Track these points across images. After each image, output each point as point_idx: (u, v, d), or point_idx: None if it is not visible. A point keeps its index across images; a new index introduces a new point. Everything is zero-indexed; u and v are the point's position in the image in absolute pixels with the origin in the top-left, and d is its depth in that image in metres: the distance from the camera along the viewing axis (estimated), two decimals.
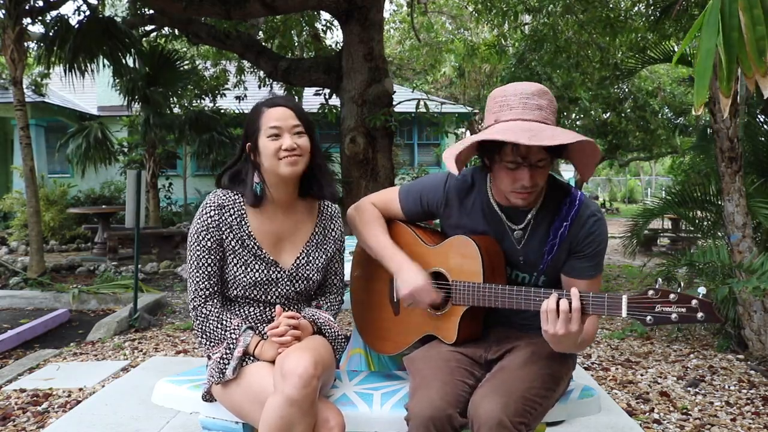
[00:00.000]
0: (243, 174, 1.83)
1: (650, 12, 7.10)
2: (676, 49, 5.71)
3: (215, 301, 1.78)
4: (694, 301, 1.38)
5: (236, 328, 1.74)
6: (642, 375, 3.79)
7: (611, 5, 7.38)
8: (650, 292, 1.42)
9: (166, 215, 11.42)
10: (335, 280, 1.95)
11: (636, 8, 7.52)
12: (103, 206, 10.61)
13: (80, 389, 3.46)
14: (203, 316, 1.76)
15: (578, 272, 1.70)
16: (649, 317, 1.41)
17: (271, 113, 1.76)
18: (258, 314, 1.82)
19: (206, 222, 1.77)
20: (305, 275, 1.84)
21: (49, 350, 4.30)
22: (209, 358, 1.79)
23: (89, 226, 10.29)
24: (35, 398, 3.32)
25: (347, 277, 2.07)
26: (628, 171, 27.83)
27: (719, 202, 4.44)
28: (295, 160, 1.73)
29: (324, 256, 1.88)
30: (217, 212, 1.77)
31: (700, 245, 5.13)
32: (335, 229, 1.92)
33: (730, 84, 1.51)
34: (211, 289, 1.77)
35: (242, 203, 1.82)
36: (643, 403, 3.31)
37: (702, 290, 1.40)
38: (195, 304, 1.77)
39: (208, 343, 1.76)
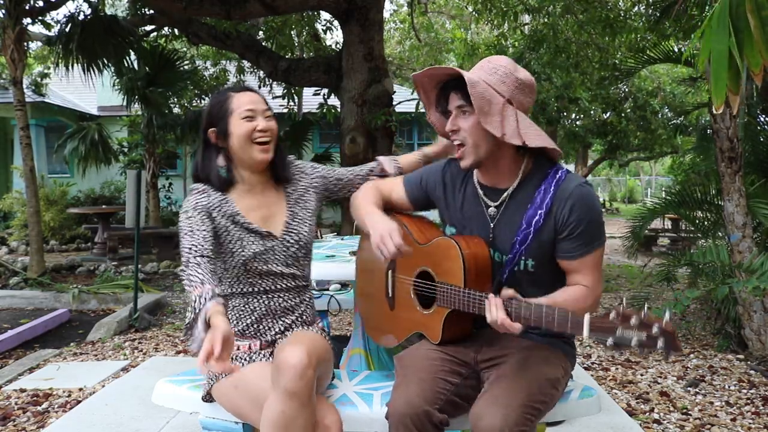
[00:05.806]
0: (210, 163, 1.86)
1: (650, 12, 7.10)
2: (675, 49, 5.70)
3: (207, 262, 1.64)
4: (655, 329, 1.28)
5: (207, 293, 1.52)
6: (642, 375, 3.79)
7: (611, 5, 7.38)
8: (612, 315, 1.33)
9: (166, 215, 11.41)
10: (354, 169, 2.10)
11: (636, 8, 7.52)
12: (103, 206, 10.60)
13: (80, 389, 3.46)
14: (195, 264, 1.61)
15: (568, 253, 1.65)
16: (610, 340, 1.32)
17: (242, 97, 1.83)
18: (263, 308, 1.83)
19: (194, 203, 1.79)
20: (295, 230, 1.88)
21: (49, 350, 4.30)
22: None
23: (89, 226, 10.30)
24: (35, 398, 3.33)
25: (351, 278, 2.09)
26: (627, 171, 27.83)
27: (719, 202, 4.44)
28: (267, 147, 1.82)
29: (308, 207, 1.94)
30: (203, 195, 1.82)
31: (700, 245, 5.13)
32: (304, 173, 2.00)
33: (738, 82, 1.56)
34: (204, 252, 1.66)
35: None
36: (643, 403, 3.31)
37: (667, 315, 1.30)
38: (188, 257, 1.64)
39: (191, 289, 1.57)
